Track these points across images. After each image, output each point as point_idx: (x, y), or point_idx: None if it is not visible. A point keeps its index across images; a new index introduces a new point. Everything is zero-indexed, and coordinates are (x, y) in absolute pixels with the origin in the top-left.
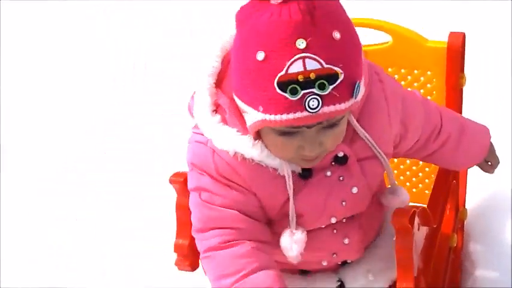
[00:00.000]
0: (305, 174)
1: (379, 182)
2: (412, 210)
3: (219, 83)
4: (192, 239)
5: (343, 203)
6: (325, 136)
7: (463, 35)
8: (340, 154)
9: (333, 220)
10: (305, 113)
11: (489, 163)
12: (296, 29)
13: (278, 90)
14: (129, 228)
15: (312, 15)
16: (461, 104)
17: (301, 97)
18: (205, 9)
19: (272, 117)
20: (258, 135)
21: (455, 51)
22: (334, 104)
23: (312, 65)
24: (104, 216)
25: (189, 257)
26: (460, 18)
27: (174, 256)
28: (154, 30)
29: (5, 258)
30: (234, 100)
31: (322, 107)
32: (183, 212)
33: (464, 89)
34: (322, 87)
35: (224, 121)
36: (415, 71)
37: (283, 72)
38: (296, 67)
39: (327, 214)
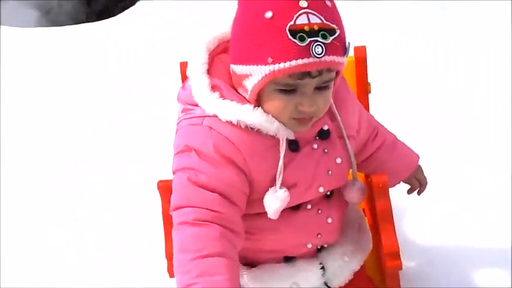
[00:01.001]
0: (294, 147)
1: (350, 164)
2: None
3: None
4: None
5: (329, 172)
6: (318, 97)
7: (365, 48)
8: (325, 127)
9: (321, 189)
10: (311, 59)
11: (418, 182)
12: None
13: (290, 37)
14: (129, 228)
15: None
16: (369, 109)
17: (308, 44)
18: (207, 8)
19: (282, 65)
20: (256, 103)
21: (362, 61)
22: (334, 55)
23: (315, 19)
24: (104, 216)
25: None
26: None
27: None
28: (156, 30)
29: (5, 258)
30: (227, 79)
31: (325, 54)
32: (169, 220)
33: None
34: (324, 37)
35: (222, 97)
36: None
37: (292, 23)
38: (302, 20)
39: (315, 183)
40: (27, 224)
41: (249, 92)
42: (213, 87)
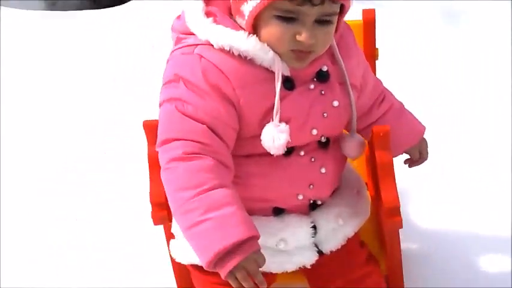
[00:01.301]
0: (288, 86)
1: (350, 114)
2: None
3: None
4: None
5: (325, 114)
6: (319, 30)
7: (374, 11)
8: (324, 68)
9: (314, 132)
10: None
11: (419, 154)
12: None
13: None
14: (129, 228)
15: None
16: (376, 75)
17: None
18: None
19: None
20: (253, 31)
21: (370, 24)
22: None
23: None
24: (104, 216)
25: (166, 207)
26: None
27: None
28: (156, 30)
29: (5, 258)
30: (224, 10)
31: None
32: (156, 161)
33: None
34: None
35: (216, 22)
36: None
37: None
38: None
39: (308, 124)
40: (27, 224)
41: (246, 17)
42: (208, 13)
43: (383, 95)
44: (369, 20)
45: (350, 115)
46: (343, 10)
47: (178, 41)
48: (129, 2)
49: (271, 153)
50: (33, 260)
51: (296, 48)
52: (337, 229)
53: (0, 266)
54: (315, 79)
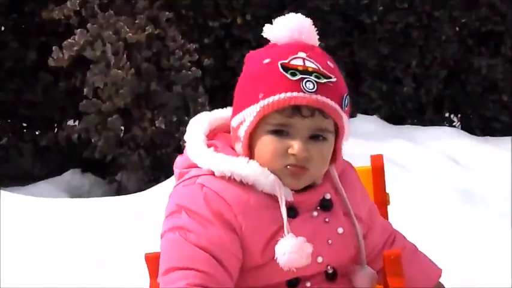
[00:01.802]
0: (292, 214)
1: (356, 246)
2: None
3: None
4: None
5: (329, 241)
6: (312, 146)
7: (381, 156)
8: (328, 196)
9: (319, 259)
10: (301, 94)
11: None
12: (299, 47)
13: (281, 70)
14: (128, 229)
15: (313, 49)
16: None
17: (299, 79)
18: None
19: (271, 99)
20: (250, 153)
21: (379, 170)
22: (327, 97)
23: (310, 64)
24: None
25: None
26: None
27: None
28: None
29: (5, 258)
30: (223, 140)
31: (317, 92)
32: None
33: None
34: (318, 77)
35: (216, 151)
36: None
37: (286, 61)
38: (296, 62)
39: (313, 252)
40: (27, 224)
41: (241, 139)
42: (209, 145)
43: (393, 237)
44: (378, 165)
45: (357, 245)
46: (338, 133)
47: (180, 176)
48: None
49: (290, 267)
50: (33, 260)
51: (290, 163)
52: None
53: (0, 266)
54: (318, 207)
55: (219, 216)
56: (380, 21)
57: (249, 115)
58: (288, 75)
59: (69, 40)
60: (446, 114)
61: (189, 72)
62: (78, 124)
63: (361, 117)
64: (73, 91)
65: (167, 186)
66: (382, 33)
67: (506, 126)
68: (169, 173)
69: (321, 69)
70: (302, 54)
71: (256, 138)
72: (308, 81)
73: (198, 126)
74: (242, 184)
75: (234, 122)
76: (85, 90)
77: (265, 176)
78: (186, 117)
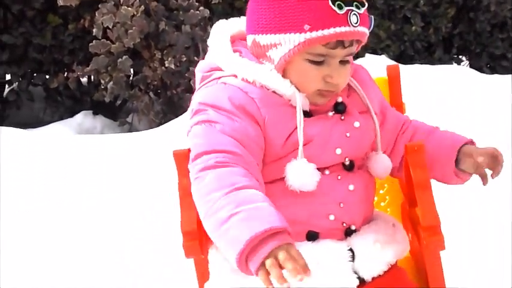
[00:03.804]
0: (308, 115)
1: (373, 137)
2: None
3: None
4: (200, 223)
5: (347, 133)
6: (343, 70)
7: (398, 66)
8: (339, 99)
9: (338, 151)
10: (348, 28)
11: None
12: None
13: (330, 3)
14: (128, 230)
15: None
16: None
17: (345, 12)
18: None
19: (320, 33)
20: (282, 73)
21: (395, 79)
22: (365, 26)
23: None
24: (104, 217)
25: (198, 236)
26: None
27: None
28: None
29: (5, 258)
30: (245, 46)
31: (359, 25)
32: (186, 191)
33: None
34: (358, 6)
35: (242, 57)
36: None
37: None
38: None
39: (332, 144)
40: (27, 224)
41: (275, 62)
42: (234, 51)
43: (407, 124)
44: (394, 76)
45: (372, 137)
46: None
47: (202, 79)
48: None
49: (298, 190)
50: (33, 260)
51: (324, 88)
52: (375, 254)
53: (0, 266)
54: (333, 111)
55: (243, 110)
56: None
57: (288, 42)
58: (336, 8)
59: None
60: (455, 54)
61: (197, 11)
62: (88, 67)
63: (369, 57)
64: (82, 34)
65: (178, 123)
66: None
67: None
68: (180, 114)
69: None
70: None
71: (292, 63)
72: (353, 13)
73: (223, 32)
74: (263, 87)
75: (261, 40)
76: (94, 30)
77: (285, 88)
78: (196, 57)
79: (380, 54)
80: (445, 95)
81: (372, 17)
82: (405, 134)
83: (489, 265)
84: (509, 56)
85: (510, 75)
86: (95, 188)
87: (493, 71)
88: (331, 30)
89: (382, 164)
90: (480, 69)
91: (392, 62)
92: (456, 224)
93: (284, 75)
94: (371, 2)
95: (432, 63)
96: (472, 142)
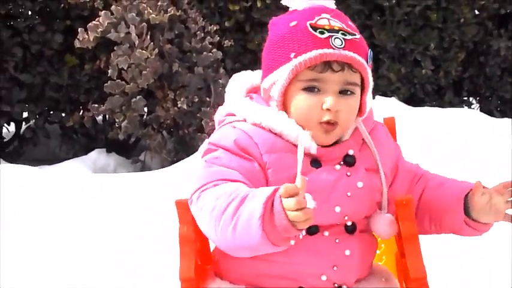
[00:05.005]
0: (316, 165)
1: (378, 198)
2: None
3: None
4: (197, 270)
5: (348, 193)
6: (342, 102)
7: (394, 119)
8: (351, 152)
9: (337, 209)
10: (331, 50)
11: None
12: (322, 9)
13: (310, 29)
14: (128, 230)
15: (334, 10)
16: None
17: (327, 37)
18: None
19: (303, 57)
20: (284, 109)
21: (391, 131)
22: (355, 52)
23: (335, 23)
24: (103, 218)
25: (196, 282)
26: None
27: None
28: None
29: (5, 258)
30: (259, 94)
31: (344, 48)
32: (186, 239)
33: None
34: (344, 35)
35: (252, 101)
36: None
37: (313, 21)
38: (323, 21)
39: (332, 202)
40: (27, 224)
41: (276, 98)
42: (247, 96)
43: (419, 176)
44: (390, 128)
45: (377, 199)
46: (364, 87)
47: (218, 123)
48: None
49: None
50: (33, 260)
51: (323, 119)
52: None
53: (0, 266)
54: (341, 162)
55: (247, 152)
56: (398, 4)
57: (282, 74)
58: (317, 34)
59: (93, 22)
60: (465, 97)
61: (210, 53)
62: (103, 106)
63: (379, 99)
64: (98, 74)
65: (189, 162)
66: (400, 15)
67: None
68: (191, 153)
69: (346, 28)
70: (326, 15)
71: (290, 96)
72: (336, 38)
73: (240, 81)
74: (270, 131)
75: (265, 84)
76: (109, 71)
77: (291, 128)
78: (208, 98)
79: (390, 97)
80: (454, 138)
81: (370, 50)
82: (417, 188)
83: (489, 265)
84: None
85: None
86: (111, 219)
87: (503, 114)
88: (314, 53)
89: (385, 224)
90: (490, 113)
91: (402, 105)
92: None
93: (288, 115)
94: (381, 46)
95: (442, 106)
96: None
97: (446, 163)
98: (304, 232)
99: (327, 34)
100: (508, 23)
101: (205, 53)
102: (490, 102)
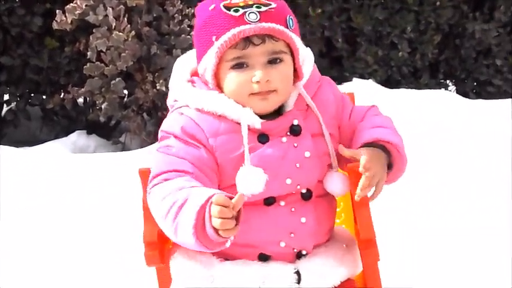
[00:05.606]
0: (263, 140)
1: (328, 161)
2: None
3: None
4: (160, 234)
5: (297, 164)
6: (272, 70)
7: (353, 94)
8: (295, 122)
9: (288, 181)
10: (247, 26)
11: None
12: None
13: (224, 10)
14: (128, 230)
15: None
16: None
17: (242, 14)
18: None
19: (222, 38)
20: (220, 91)
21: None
22: (272, 22)
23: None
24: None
25: (159, 248)
26: None
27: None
28: None
29: (5, 258)
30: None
31: (261, 20)
32: (148, 206)
33: None
34: (259, 7)
35: (193, 87)
36: None
37: (227, 1)
38: (237, 0)
39: (282, 174)
40: (27, 224)
41: (210, 81)
42: (188, 81)
43: (362, 117)
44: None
45: (327, 162)
46: (293, 53)
47: (170, 108)
48: None
49: (246, 193)
50: (33, 260)
51: (255, 91)
52: (320, 278)
53: (0, 266)
54: (288, 133)
55: (194, 138)
56: None
57: (209, 59)
58: (232, 13)
59: (71, 4)
60: (441, 79)
61: (188, 36)
62: (83, 88)
63: (356, 81)
64: (78, 56)
65: None
66: None
67: (500, 89)
68: None
69: (261, 0)
70: None
71: (222, 77)
72: (251, 12)
73: (184, 64)
74: (214, 114)
75: (200, 69)
76: (88, 53)
77: (231, 107)
78: None
79: (367, 79)
80: (431, 119)
81: (289, 16)
82: (350, 120)
83: (489, 265)
84: (494, 82)
85: (495, 101)
86: (91, 198)
87: (478, 96)
88: (231, 32)
89: (338, 183)
90: (466, 95)
91: (379, 87)
92: (456, 224)
93: (223, 92)
94: (358, 29)
95: (419, 88)
96: (379, 141)
97: (423, 144)
98: (232, 238)
99: (241, 11)
100: (483, 6)
101: (183, 35)
102: (466, 84)
